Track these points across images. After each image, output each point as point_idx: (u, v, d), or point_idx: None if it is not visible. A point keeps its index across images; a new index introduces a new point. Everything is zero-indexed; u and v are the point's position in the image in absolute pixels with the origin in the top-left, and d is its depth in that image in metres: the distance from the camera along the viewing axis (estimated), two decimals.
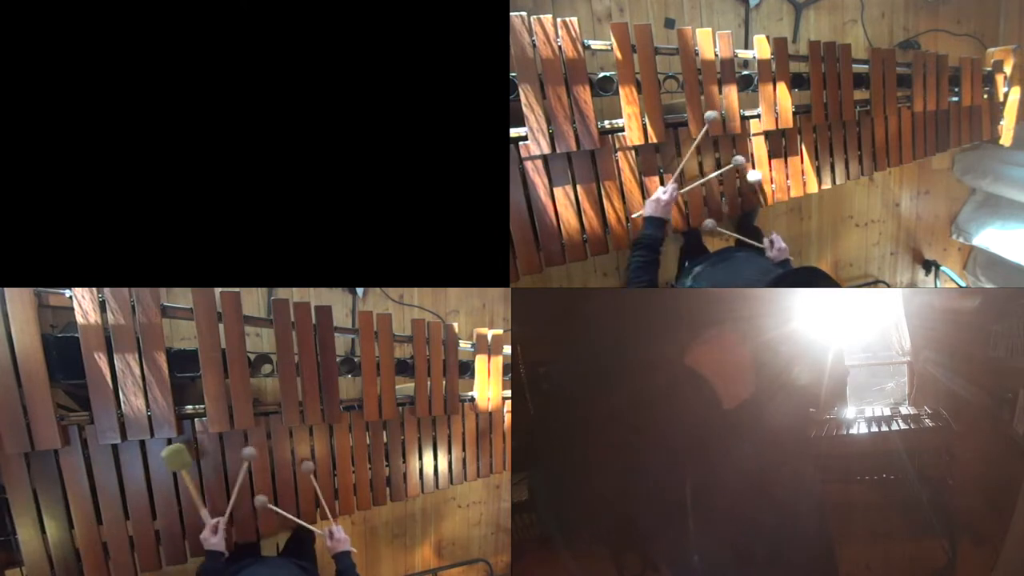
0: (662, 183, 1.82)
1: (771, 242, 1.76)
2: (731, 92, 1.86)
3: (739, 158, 1.84)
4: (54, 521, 1.39)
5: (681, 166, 1.79)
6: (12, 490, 1.36)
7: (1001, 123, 2.51)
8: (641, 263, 1.64)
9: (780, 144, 1.99)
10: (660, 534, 1.81)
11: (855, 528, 1.86)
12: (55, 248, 1.11)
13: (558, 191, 1.74)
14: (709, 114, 1.79)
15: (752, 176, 1.88)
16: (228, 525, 1.53)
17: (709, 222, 1.82)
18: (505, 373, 2.00)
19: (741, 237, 1.87)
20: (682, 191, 1.77)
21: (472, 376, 1.95)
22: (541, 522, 1.90)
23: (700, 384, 1.70)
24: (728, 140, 1.91)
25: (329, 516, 1.67)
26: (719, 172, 1.84)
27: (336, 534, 1.59)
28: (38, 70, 1.07)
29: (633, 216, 1.80)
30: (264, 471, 1.61)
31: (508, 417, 2.03)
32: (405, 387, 1.85)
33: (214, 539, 1.46)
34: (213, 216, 1.15)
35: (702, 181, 1.82)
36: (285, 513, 1.61)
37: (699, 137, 1.79)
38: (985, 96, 2.45)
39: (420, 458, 1.88)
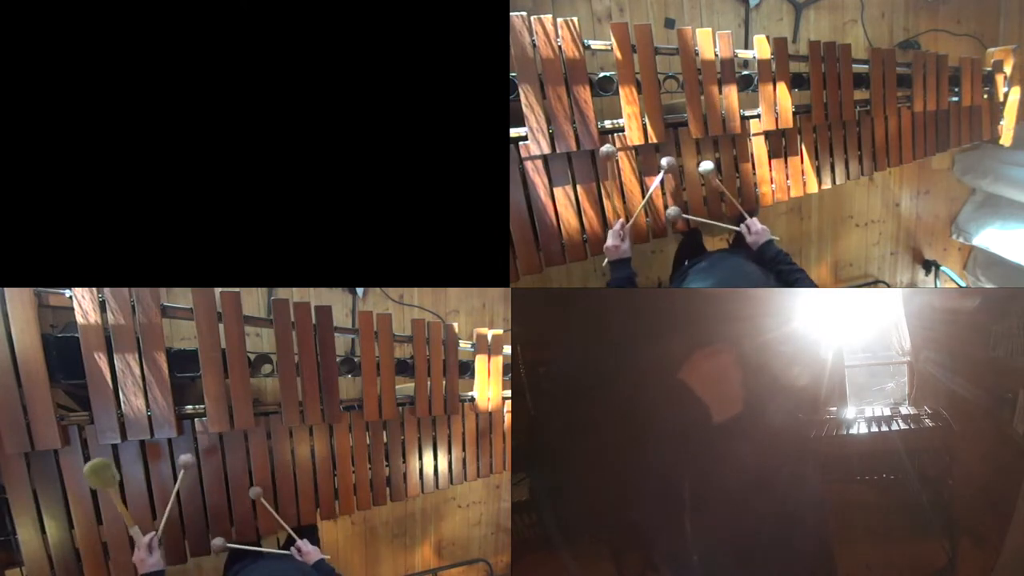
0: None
1: (747, 227, 1.78)
2: (731, 92, 1.86)
3: (668, 159, 1.78)
4: (54, 521, 1.39)
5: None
6: (12, 490, 1.36)
7: (1001, 123, 2.50)
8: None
9: (780, 144, 1.98)
10: (660, 534, 1.81)
11: (855, 528, 1.86)
12: (55, 248, 1.11)
13: (558, 191, 1.74)
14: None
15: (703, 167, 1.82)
16: (228, 525, 1.52)
17: (673, 209, 1.80)
18: (505, 373, 2.00)
19: (711, 222, 1.87)
20: (628, 223, 1.76)
21: (472, 376, 1.95)
22: (541, 522, 1.90)
23: (700, 384, 1.70)
24: (728, 140, 1.91)
25: (292, 534, 1.63)
26: (656, 183, 1.81)
27: (303, 548, 1.58)
28: (38, 70, 1.07)
29: (603, 265, 1.78)
30: (264, 469, 1.61)
31: (508, 417, 2.03)
32: (405, 387, 1.85)
33: (151, 559, 1.37)
34: (213, 216, 1.15)
35: (643, 204, 1.81)
36: (274, 513, 1.60)
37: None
38: (985, 96, 2.45)
39: (420, 458, 1.88)
